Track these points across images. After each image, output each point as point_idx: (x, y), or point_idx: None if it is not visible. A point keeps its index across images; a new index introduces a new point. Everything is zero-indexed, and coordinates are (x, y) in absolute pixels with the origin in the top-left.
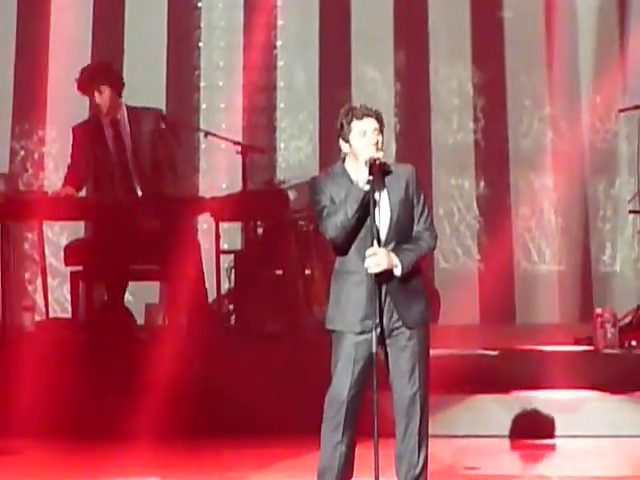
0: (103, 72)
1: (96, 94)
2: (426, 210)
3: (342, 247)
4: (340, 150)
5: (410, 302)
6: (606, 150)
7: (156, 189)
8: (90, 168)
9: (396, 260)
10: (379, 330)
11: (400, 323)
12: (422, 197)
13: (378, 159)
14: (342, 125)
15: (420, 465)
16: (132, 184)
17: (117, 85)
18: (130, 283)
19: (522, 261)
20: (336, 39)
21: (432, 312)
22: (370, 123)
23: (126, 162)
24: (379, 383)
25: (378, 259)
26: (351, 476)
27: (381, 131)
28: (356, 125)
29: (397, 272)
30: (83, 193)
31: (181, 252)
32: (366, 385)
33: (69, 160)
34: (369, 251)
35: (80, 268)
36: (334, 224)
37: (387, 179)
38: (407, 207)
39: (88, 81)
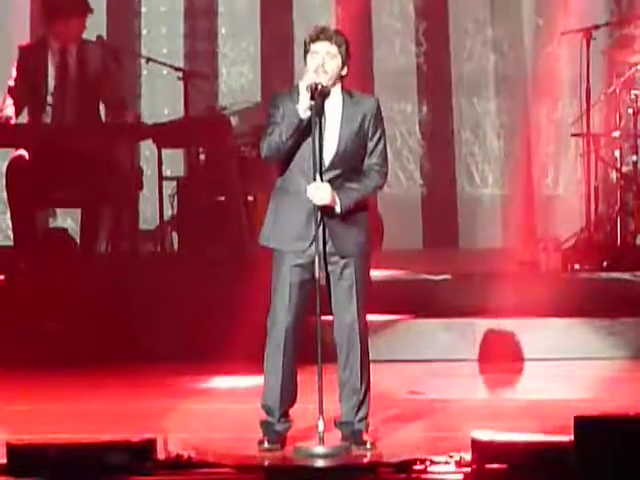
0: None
1: (64, 25)
2: (380, 145)
3: (282, 166)
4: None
5: (346, 232)
6: (549, 74)
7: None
8: (29, 91)
9: (337, 198)
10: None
11: (334, 250)
12: (379, 131)
13: (319, 84)
14: (304, 44)
15: (362, 391)
16: (70, 113)
17: (85, 14)
18: (71, 210)
19: (465, 185)
20: None
21: (370, 245)
22: (323, 46)
23: (66, 91)
24: (322, 308)
25: (321, 193)
26: (294, 400)
27: (341, 57)
28: (311, 46)
29: (337, 210)
30: (22, 119)
31: (122, 178)
32: (306, 309)
33: (10, 81)
34: (312, 185)
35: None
36: (268, 144)
37: (344, 107)
38: (359, 138)
39: (64, 9)
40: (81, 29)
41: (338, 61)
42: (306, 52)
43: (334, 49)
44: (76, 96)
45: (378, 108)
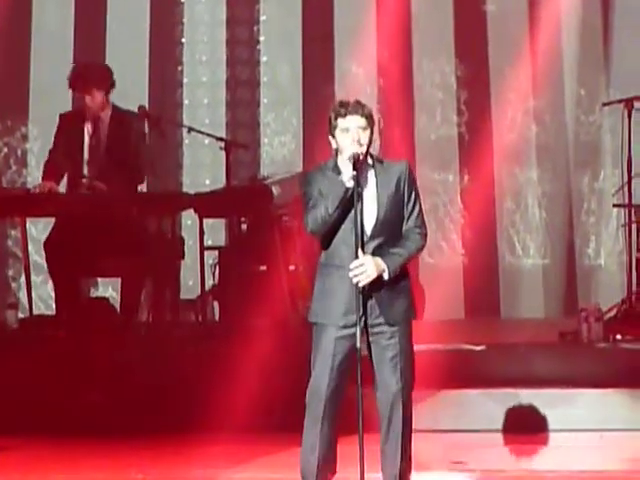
0: (96, 75)
1: (87, 97)
2: (417, 207)
3: (325, 240)
4: (330, 145)
5: (393, 300)
6: (590, 143)
7: (130, 189)
8: (67, 159)
9: (383, 265)
10: (362, 326)
11: (382, 320)
12: (414, 194)
13: (361, 154)
14: (330, 121)
15: (404, 462)
16: (102, 180)
17: (108, 88)
18: (112, 279)
19: (507, 255)
20: (319, 34)
21: (415, 310)
22: (353, 121)
23: (98, 160)
24: (363, 379)
25: (366, 269)
26: (334, 471)
27: (370, 127)
28: (340, 122)
29: (385, 277)
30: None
31: (164, 248)
32: (346, 379)
33: (51, 147)
34: (355, 262)
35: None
36: (314, 218)
37: (378, 175)
38: (396, 203)
39: (81, 83)
40: (103, 103)
41: (369, 132)
42: (334, 128)
43: (364, 122)
44: (106, 164)
45: (409, 170)
